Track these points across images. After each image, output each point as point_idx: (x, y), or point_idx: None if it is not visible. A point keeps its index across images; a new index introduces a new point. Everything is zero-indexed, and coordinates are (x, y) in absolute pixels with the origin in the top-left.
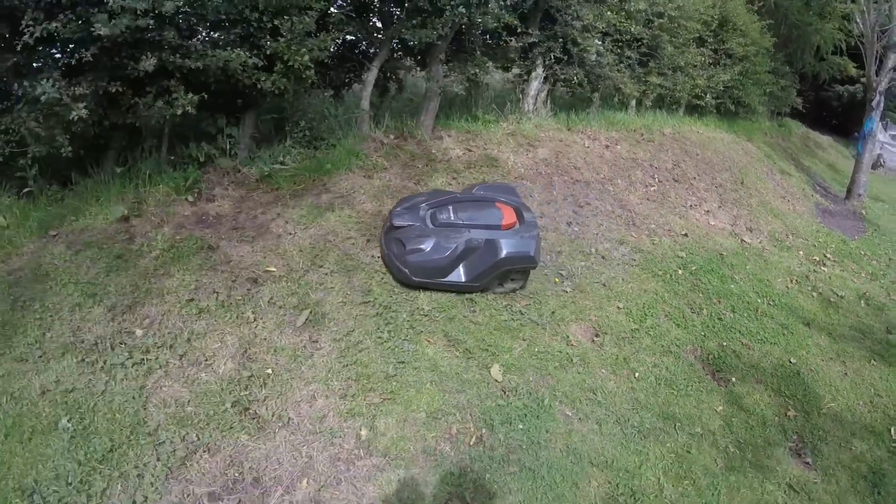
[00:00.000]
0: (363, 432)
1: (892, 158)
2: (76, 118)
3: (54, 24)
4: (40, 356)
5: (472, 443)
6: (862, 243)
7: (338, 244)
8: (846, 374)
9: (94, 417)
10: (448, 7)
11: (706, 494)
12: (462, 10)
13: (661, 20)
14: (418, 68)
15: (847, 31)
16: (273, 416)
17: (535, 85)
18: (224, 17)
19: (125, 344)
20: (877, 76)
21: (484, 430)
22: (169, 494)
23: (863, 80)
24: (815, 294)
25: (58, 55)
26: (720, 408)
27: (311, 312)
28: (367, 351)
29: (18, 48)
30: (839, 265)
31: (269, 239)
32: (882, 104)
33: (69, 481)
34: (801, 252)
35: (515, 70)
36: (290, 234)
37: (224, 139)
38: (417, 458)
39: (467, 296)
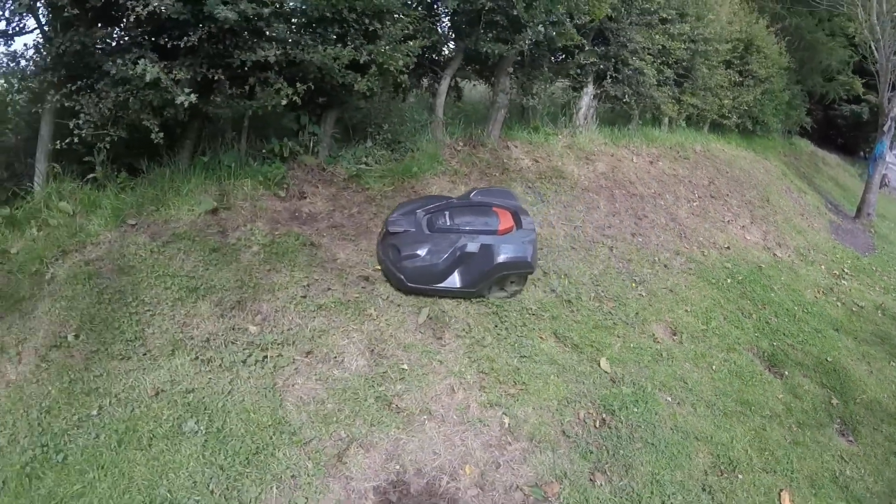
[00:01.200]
0: (506, 420)
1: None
2: (184, 103)
3: (162, 4)
4: (144, 354)
5: (597, 425)
6: (873, 260)
7: None
8: (871, 372)
9: (226, 419)
10: (530, 24)
11: (783, 462)
12: (541, 28)
13: (697, 43)
14: (482, 79)
15: (856, 52)
16: (417, 409)
17: (586, 101)
18: (328, 15)
19: (240, 341)
20: (889, 102)
21: (605, 415)
22: (330, 493)
23: (868, 98)
24: (839, 304)
25: (151, 37)
26: (780, 395)
27: (430, 310)
28: (490, 346)
29: (122, 25)
30: (856, 279)
31: (371, 238)
32: (893, 129)
33: (211, 489)
34: (822, 266)
35: (561, 85)
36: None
37: (306, 136)
38: (559, 440)
39: (565, 297)
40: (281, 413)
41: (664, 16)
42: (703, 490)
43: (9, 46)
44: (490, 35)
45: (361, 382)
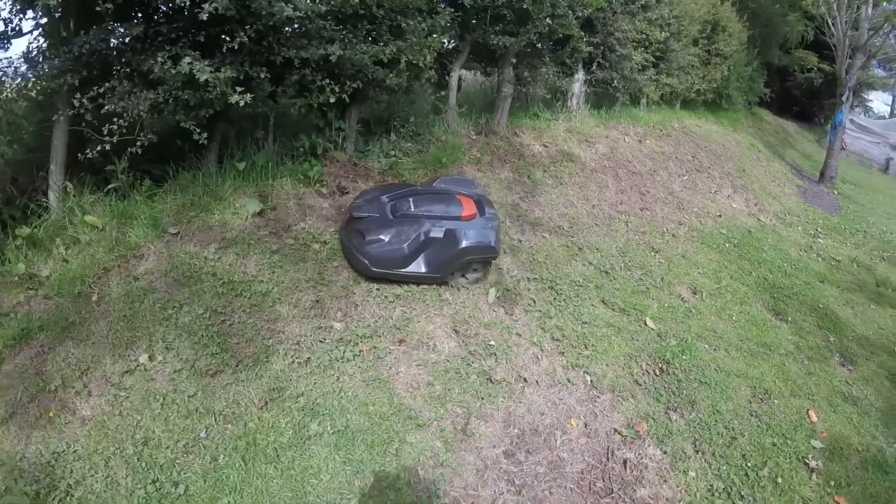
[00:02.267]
0: (588, 378)
1: (852, 143)
2: (241, 103)
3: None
4: (237, 365)
5: (658, 373)
6: (841, 219)
7: None
8: (856, 314)
9: (347, 416)
10: (538, 17)
11: (804, 388)
12: (548, 20)
13: (671, 25)
14: (483, 70)
15: (811, 25)
16: (513, 378)
17: (577, 86)
18: (361, 12)
19: (328, 339)
20: (846, 74)
21: (662, 364)
22: (467, 464)
23: (822, 66)
24: (819, 259)
25: (188, 34)
26: (789, 337)
27: (496, 290)
28: (556, 317)
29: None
30: (829, 237)
31: None
32: (851, 98)
33: (357, 484)
34: (799, 228)
35: (554, 71)
36: None
37: (333, 132)
38: (634, 389)
39: (601, 268)
40: (397, 401)
41: (643, 2)
42: (751, 415)
43: (6, 49)
44: (497, 28)
45: (459, 362)
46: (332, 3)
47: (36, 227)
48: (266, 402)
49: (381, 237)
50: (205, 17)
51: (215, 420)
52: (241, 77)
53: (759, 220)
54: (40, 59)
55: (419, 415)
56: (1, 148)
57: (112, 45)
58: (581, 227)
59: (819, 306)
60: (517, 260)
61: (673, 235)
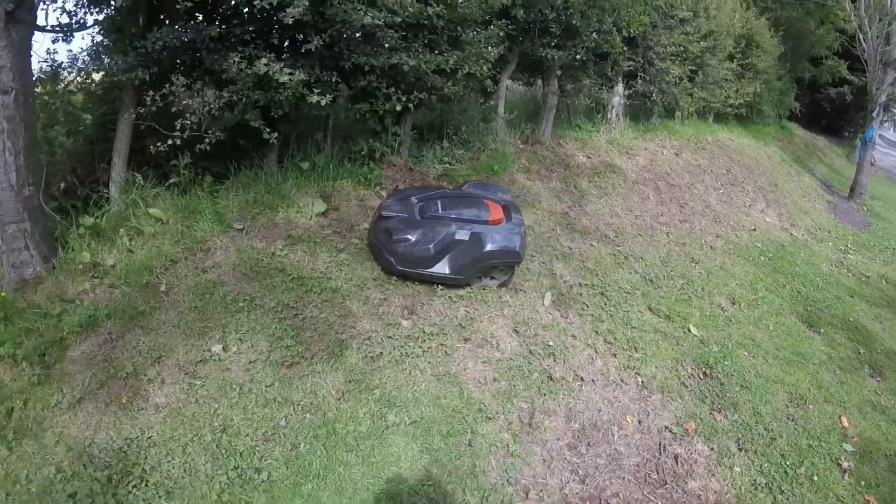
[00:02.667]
0: (639, 378)
1: (881, 159)
2: (322, 103)
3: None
4: (311, 357)
5: (702, 377)
6: (870, 236)
7: (541, 235)
8: (884, 329)
9: (421, 408)
10: (585, 32)
11: (836, 396)
12: (595, 36)
13: (707, 39)
14: (526, 81)
15: (842, 38)
16: (571, 377)
17: (617, 99)
18: (424, 23)
19: (397, 336)
20: (876, 90)
21: (705, 368)
22: (535, 455)
23: (852, 79)
24: (850, 275)
25: (261, 36)
26: (822, 348)
27: (551, 294)
28: (607, 321)
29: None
30: (859, 253)
31: None
32: (881, 114)
33: (433, 471)
34: (830, 243)
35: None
36: None
37: (389, 137)
38: (681, 390)
39: (646, 276)
40: (466, 395)
41: (682, 17)
42: (788, 418)
43: (68, 42)
44: (544, 41)
45: (521, 360)
46: (407, 13)
47: (98, 217)
48: (343, 394)
49: (409, 237)
50: (290, 21)
51: (294, 409)
52: (312, 80)
53: (791, 234)
54: (105, 54)
55: (488, 408)
56: (59, 139)
57: (184, 43)
58: (626, 237)
59: (849, 320)
60: (569, 266)
61: (711, 247)
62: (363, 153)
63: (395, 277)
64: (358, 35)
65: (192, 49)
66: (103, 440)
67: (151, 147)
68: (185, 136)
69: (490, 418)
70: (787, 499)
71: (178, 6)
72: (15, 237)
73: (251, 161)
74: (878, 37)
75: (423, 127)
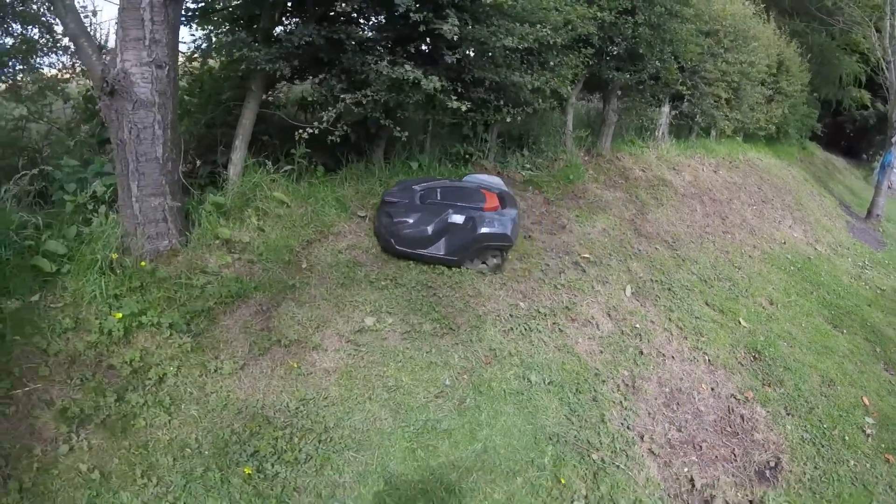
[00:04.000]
0: (706, 357)
1: None
2: (463, 109)
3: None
4: (454, 329)
5: (753, 359)
6: (885, 255)
7: (616, 238)
8: None
9: (551, 371)
10: (649, 60)
11: (858, 381)
12: (657, 62)
13: (745, 66)
14: (588, 97)
15: (866, 65)
16: (655, 353)
17: (664, 118)
18: (529, 47)
19: (517, 314)
20: None
21: (755, 353)
22: (640, 410)
23: (877, 105)
24: (867, 287)
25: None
26: (845, 344)
27: (632, 286)
28: (676, 311)
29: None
30: (875, 269)
31: (565, 234)
32: None
33: (573, 420)
34: (849, 259)
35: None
36: (579, 229)
37: (479, 143)
38: (739, 368)
39: (701, 277)
40: (583, 362)
41: (725, 45)
42: (822, 395)
43: (189, 27)
44: (611, 64)
45: (617, 338)
46: (535, 38)
47: (223, 197)
48: (490, 359)
49: (408, 219)
50: (455, 37)
51: (453, 371)
52: (450, 88)
53: (815, 249)
54: (244, 45)
55: (601, 373)
56: (186, 126)
57: (328, 41)
58: (681, 243)
59: (868, 324)
60: (641, 264)
61: (749, 256)
62: (460, 156)
63: (518, 267)
64: (490, 54)
65: (335, 48)
66: (275, 402)
67: (300, 131)
68: (322, 127)
69: (604, 381)
70: (827, 451)
71: (338, 8)
72: (154, 210)
73: (361, 156)
74: None
75: (506, 136)
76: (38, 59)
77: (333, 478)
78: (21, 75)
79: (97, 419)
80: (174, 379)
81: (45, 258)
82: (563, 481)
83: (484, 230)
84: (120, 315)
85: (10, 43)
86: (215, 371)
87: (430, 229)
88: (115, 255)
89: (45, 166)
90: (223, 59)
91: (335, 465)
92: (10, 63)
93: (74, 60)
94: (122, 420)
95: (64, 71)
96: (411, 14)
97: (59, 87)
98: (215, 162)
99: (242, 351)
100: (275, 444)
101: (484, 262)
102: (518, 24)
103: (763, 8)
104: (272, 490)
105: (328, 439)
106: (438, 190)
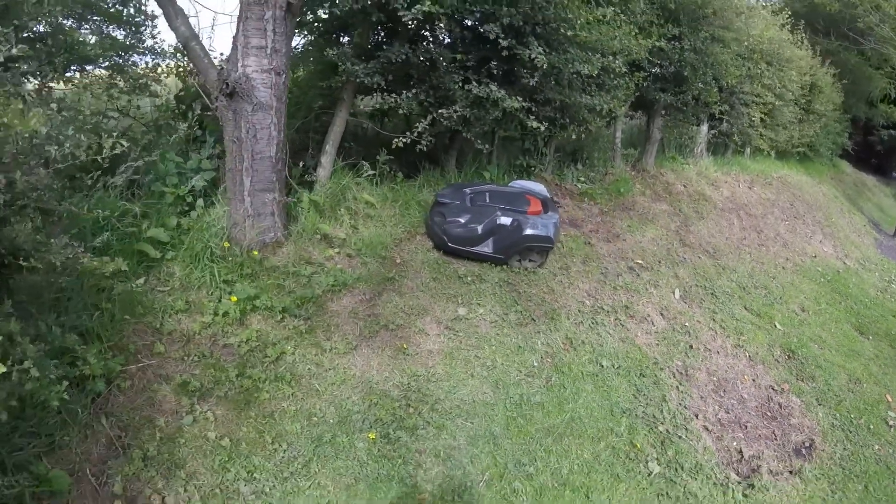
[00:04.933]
0: (747, 353)
1: None
2: (542, 128)
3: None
4: (534, 320)
5: (787, 358)
6: None
7: (664, 246)
8: None
9: (617, 358)
10: (692, 83)
11: (882, 381)
12: (700, 84)
13: (779, 89)
14: (632, 116)
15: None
16: (702, 348)
17: (702, 136)
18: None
19: (586, 311)
20: None
21: (788, 352)
22: (693, 394)
23: None
24: (893, 300)
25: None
26: (870, 349)
27: (680, 290)
28: (719, 312)
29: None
30: None
31: (619, 241)
32: None
33: (639, 398)
34: (876, 273)
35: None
36: (631, 238)
37: (538, 156)
38: (775, 364)
39: (739, 284)
40: (642, 353)
41: (761, 70)
42: (849, 391)
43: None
44: (656, 85)
45: (669, 333)
46: (604, 66)
47: (318, 196)
48: (567, 346)
49: (460, 219)
50: (545, 65)
51: (538, 354)
52: (528, 108)
53: (844, 263)
54: (346, 59)
55: (658, 362)
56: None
57: (420, 59)
58: (721, 253)
59: (892, 333)
60: (686, 271)
61: (783, 268)
62: (523, 167)
63: (579, 270)
64: (562, 77)
65: (428, 66)
66: (389, 378)
67: (395, 142)
68: (414, 137)
69: (662, 369)
70: (854, 436)
71: (406, 26)
72: (264, 204)
73: (435, 164)
74: None
75: (562, 151)
76: (127, 58)
77: (448, 441)
78: (111, 72)
79: (219, 392)
80: (292, 357)
81: (148, 245)
82: (637, 446)
83: (529, 232)
84: (235, 298)
85: (93, 41)
86: (330, 350)
87: (479, 229)
88: (226, 244)
89: (148, 158)
90: (310, 68)
91: (449, 430)
92: (100, 60)
93: (157, 61)
94: (244, 393)
95: (148, 71)
96: (500, 40)
97: (149, 86)
98: (304, 165)
99: (353, 333)
100: (394, 412)
101: (530, 260)
102: (590, 53)
103: (798, 29)
104: (395, 452)
105: (440, 409)
106: (487, 193)
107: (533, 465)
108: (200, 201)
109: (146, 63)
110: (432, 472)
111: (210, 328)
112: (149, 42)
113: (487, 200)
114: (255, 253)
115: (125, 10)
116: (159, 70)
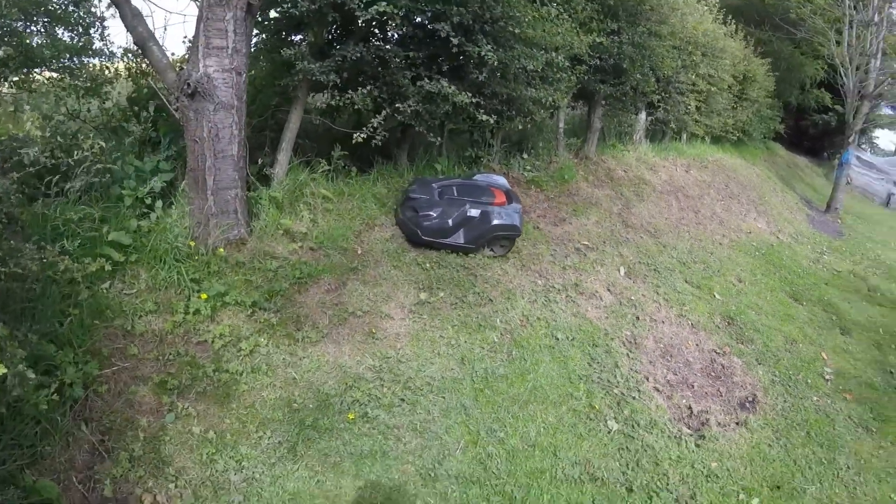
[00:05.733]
0: (689, 321)
1: (857, 178)
2: (491, 121)
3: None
4: (491, 300)
5: (728, 324)
6: (843, 243)
7: (608, 228)
8: (851, 307)
9: (571, 331)
10: (631, 74)
11: (817, 342)
12: (638, 76)
13: (713, 77)
14: (574, 106)
15: (826, 69)
16: (648, 318)
17: (641, 124)
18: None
19: (536, 289)
20: (853, 118)
21: (728, 319)
22: (642, 359)
23: (836, 108)
24: (824, 269)
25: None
26: (805, 314)
27: (625, 267)
28: (662, 286)
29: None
30: (832, 255)
31: (565, 225)
32: (857, 139)
33: (593, 365)
34: (808, 246)
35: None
36: (576, 221)
37: (486, 148)
38: (717, 329)
39: (679, 260)
40: (593, 325)
41: (695, 59)
42: (786, 351)
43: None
44: (597, 77)
45: (617, 307)
46: (548, 61)
47: (277, 192)
48: (524, 323)
49: (431, 213)
50: (495, 62)
51: (498, 332)
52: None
53: (777, 237)
54: (303, 57)
55: (609, 333)
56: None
57: (374, 57)
58: (662, 233)
59: (824, 299)
60: (630, 250)
61: (720, 244)
62: (471, 158)
63: (530, 254)
64: (511, 73)
65: (381, 64)
66: (361, 361)
67: (354, 137)
68: (369, 133)
69: (612, 338)
70: (793, 390)
71: (359, 25)
72: (227, 202)
73: (388, 159)
74: (856, 72)
75: (508, 141)
76: (76, 61)
77: (423, 416)
78: (61, 75)
79: (198, 388)
80: (266, 349)
81: (111, 248)
82: (596, 407)
83: (496, 222)
84: (206, 296)
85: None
86: (303, 339)
87: (450, 221)
88: (192, 243)
89: (107, 161)
90: (263, 67)
91: (423, 405)
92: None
93: (106, 64)
94: (223, 387)
95: (99, 73)
96: (451, 38)
97: (102, 88)
98: (261, 162)
99: (322, 322)
100: (369, 393)
101: (494, 249)
102: (535, 50)
103: (731, 21)
104: (375, 430)
105: (413, 387)
106: (454, 187)
107: (503, 431)
108: (159, 203)
109: (93, 65)
110: (412, 444)
111: (182, 326)
112: (98, 44)
113: (455, 194)
114: (221, 250)
115: (76, 11)
116: (108, 73)
